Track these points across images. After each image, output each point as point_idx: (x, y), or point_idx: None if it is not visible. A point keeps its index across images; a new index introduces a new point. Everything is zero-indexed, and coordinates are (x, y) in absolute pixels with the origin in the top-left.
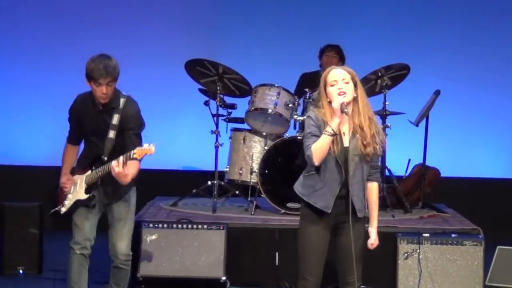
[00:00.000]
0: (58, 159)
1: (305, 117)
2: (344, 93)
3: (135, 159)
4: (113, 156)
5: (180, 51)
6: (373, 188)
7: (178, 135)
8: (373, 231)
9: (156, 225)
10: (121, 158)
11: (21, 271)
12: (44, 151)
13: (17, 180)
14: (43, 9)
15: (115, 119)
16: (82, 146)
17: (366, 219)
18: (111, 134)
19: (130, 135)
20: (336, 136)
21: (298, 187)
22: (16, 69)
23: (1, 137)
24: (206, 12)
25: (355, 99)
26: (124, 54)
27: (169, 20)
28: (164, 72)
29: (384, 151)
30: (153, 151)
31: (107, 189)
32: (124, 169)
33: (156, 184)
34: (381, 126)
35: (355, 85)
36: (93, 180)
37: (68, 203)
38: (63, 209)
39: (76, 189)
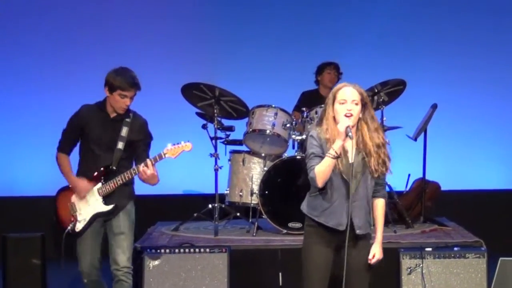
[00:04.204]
0: (58, 188)
1: (303, 136)
2: (351, 115)
3: (168, 157)
4: (121, 166)
5: (176, 75)
6: (379, 204)
7: (177, 159)
8: (374, 246)
9: (158, 251)
10: (148, 161)
11: None
12: (44, 180)
13: (18, 211)
14: (42, 39)
15: (124, 131)
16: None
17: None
18: (120, 145)
19: (140, 145)
20: (340, 154)
21: (306, 207)
22: (14, 97)
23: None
24: (201, 35)
25: (362, 119)
26: None
27: (164, 44)
28: (161, 97)
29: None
30: (191, 147)
31: (108, 203)
32: (154, 170)
33: (157, 209)
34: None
35: (364, 106)
36: (109, 191)
37: (82, 219)
38: (79, 226)
39: (88, 204)
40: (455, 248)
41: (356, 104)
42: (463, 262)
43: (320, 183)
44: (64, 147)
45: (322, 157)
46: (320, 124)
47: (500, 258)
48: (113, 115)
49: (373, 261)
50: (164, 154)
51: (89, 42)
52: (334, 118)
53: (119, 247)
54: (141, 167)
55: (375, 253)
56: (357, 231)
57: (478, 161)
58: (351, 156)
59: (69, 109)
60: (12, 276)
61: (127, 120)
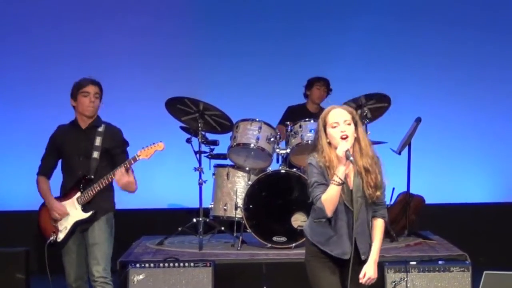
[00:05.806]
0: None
1: (288, 150)
2: (347, 136)
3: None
4: (98, 175)
5: (161, 90)
6: (378, 224)
7: (162, 173)
8: (367, 264)
9: (143, 265)
10: (123, 169)
11: None
12: (28, 195)
13: (1, 225)
14: (21, 51)
15: (98, 141)
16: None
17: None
18: (95, 154)
19: (117, 152)
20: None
21: (309, 232)
22: None
23: None
24: (186, 50)
25: (355, 139)
26: (104, 94)
27: (149, 58)
28: (145, 111)
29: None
30: (163, 147)
31: (86, 210)
32: (130, 176)
33: (142, 223)
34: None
35: (356, 125)
36: (88, 199)
37: (63, 227)
38: (61, 236)
39: (69, 213)
40: (440, 262)
41: (349, 124)
42: (447, 276)
43: (329, 212)
44: (43, 170)
45: (325, 185)
46: (316, 148)
47: (485, 272)
48: (84, 126)
49: (364, 280)
50: (138, 156)
51: (72, 58)
52: (329, 143)
53: (94, 258)
54: (117, 171)
55: (366, 271)
56: (362, 257)
57: (462, 175)
58: (351, 181)
59: (53, 124)
60: None
61: (100, 130)
